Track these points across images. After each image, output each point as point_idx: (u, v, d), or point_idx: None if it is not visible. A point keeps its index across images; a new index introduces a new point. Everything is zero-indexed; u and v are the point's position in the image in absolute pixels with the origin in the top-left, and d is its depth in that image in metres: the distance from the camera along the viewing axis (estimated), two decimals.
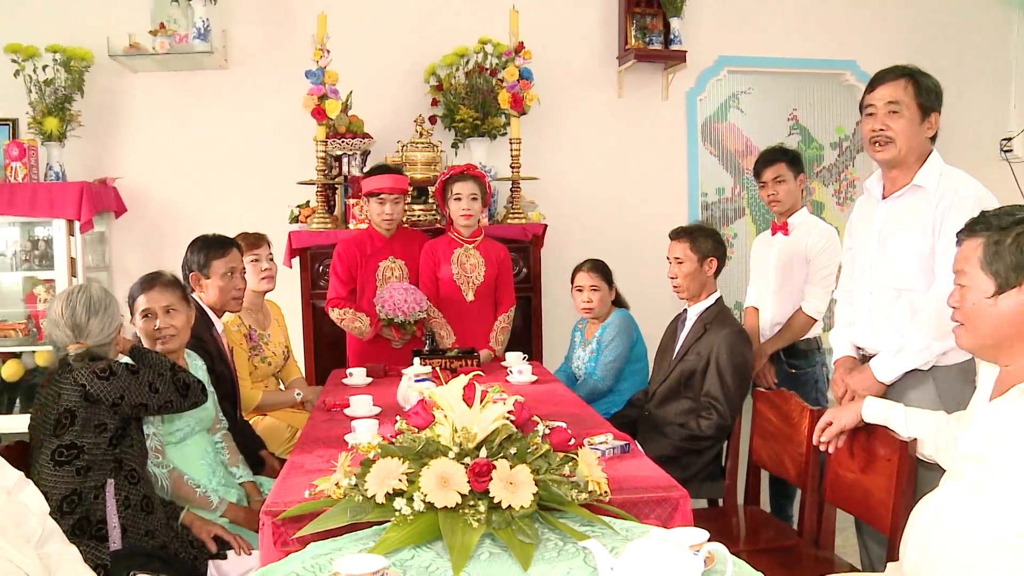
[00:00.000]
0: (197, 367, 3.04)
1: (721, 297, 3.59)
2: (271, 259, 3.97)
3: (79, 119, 5.00)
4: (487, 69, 5.18)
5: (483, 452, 1.79)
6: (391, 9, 5.43)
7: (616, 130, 5.72)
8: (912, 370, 2.64)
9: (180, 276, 3.16)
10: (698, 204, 5.92)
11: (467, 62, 5.26)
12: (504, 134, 5.12)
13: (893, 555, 2.28)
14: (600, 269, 4.18)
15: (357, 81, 4.97)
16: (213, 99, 5.34)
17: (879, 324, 2.78)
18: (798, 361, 3.88)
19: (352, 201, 4.66)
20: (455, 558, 1.63)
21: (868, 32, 5.94)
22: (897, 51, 5.36)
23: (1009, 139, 6.21)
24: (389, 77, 5.38)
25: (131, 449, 2.57)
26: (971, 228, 2.01)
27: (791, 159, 3.91)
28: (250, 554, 2.66)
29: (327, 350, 4.56)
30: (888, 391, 2.68)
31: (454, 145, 5.27)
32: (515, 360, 3.91)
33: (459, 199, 4.16)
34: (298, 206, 4.93)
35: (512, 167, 4.87)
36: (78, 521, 2.41)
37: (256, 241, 3.93)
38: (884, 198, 2.80)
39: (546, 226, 4.88)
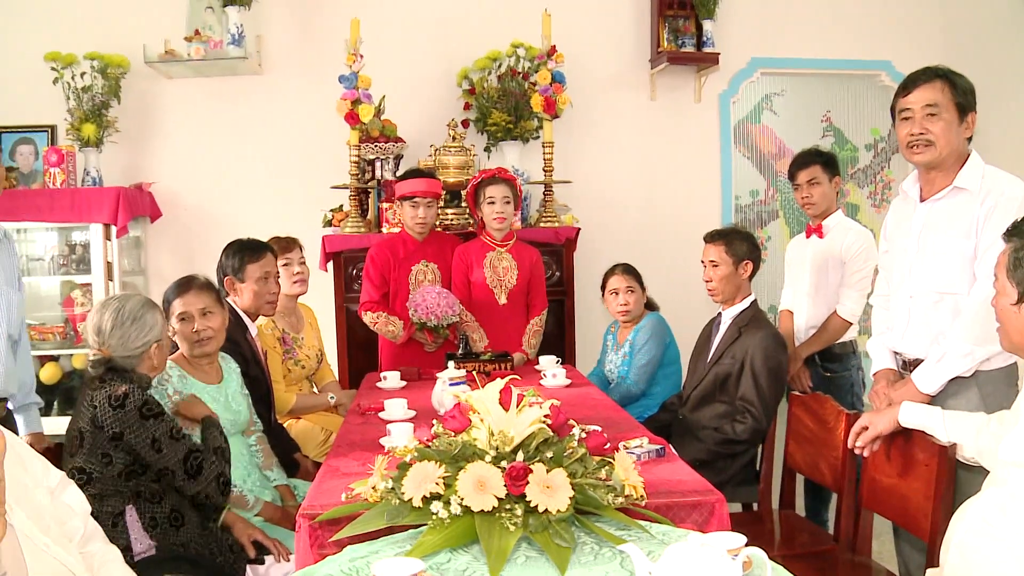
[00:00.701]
0: (232, 371, 3.06)
1: (756, 300, 3.57)
2: (303, 263, 3.98)
3: (115, 125, 5.10)
4: (519, 73, 5.19)
5: (519, 456, 1.79)
6: (423, 13, 5.45)
7: (649, 133, 5.69)
8: (954, 377, 2.59)
9: (214, 280, 3.19)
10: (731, 207, 5.88)
11: (499, 66, 5.27)
12: (537, 137, 5.13)
13: (932, 561, 2.25)
14: (632, 271, 4.18)
15: (390, 85, 5.00)
16: (247, 104, 5.39)
17: (918, 328, 2.73)
18: (833, 364, 3.84)
19: (385, 205, 4.69)
20: (492, 561, 1.63)
21: (902, 32, 5.86)
22: (932, 51, 5.28)
23: None
24: (422, 81, 5.39)
25: (154, 484, 2.49)
26: (1009, 233, 1.99)
27: (826, 161, 3.88)
28: (288, 560, 2.67)
29: (360, 353, 4.58)
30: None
31: (487, 149, 5.29)
32: (549, 363, 3.90)
33: (492, 202, 4.17)
34: (331, 210, 4.96)
35: (545, 170, 4.88)
36: None
37: (288, 245, 3.94)
38: (923, 200, 2.75)
39: (579, 229, 4.87)
